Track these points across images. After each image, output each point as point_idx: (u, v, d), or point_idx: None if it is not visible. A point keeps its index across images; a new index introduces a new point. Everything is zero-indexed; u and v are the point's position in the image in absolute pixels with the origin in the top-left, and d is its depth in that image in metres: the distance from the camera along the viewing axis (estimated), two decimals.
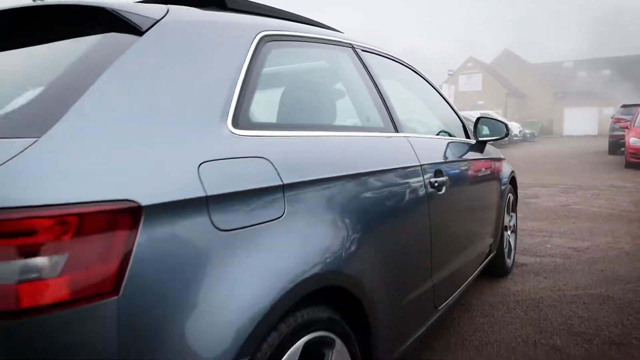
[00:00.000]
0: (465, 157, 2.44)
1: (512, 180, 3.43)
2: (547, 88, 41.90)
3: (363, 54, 1.93)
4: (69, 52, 1.08)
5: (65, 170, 0.80)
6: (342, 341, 1.26)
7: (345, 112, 1.79)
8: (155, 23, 1.12)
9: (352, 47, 1.89)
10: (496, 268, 3.23)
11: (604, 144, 16.46)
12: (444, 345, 2.33)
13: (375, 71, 1.94)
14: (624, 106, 15.12)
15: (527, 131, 29.13)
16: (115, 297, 0.78)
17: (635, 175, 9.75)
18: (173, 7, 1.26)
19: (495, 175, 2.95)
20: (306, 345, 1.14)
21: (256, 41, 1.35)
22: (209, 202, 0.95)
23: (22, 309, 0.72)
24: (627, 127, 12.00)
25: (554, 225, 5.05)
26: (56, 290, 0.74)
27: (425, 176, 1.84)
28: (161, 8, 1.21)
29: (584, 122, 36.75)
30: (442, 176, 1.99)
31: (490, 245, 2.93)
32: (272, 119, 1.47)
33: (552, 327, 2.50)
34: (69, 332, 0.76)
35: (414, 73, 2.47)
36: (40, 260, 0.74)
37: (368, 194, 1.47)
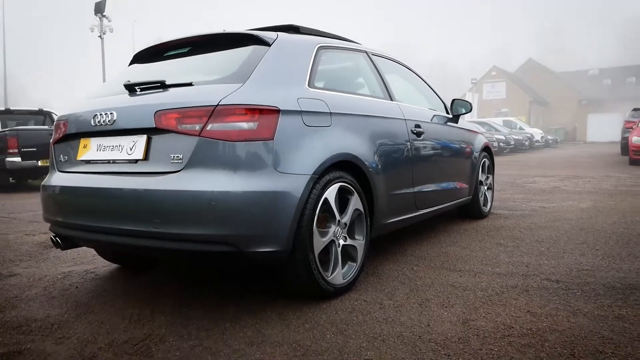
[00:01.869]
0: (440, 122, 3.74)
1: (487, 149, 4.68)
2: (571, 96, 42.34)
3: (373, 57, 3.28)
4: (244, 52, 2.44)
5: (257, 94, 2.15)
6: (357, 193, 2.58)
7: (362, 87, 3.13)
8: (274, 41, 2.49)
9: (366, 52, 3.24)
10: (473, 211, 4.49)
11: None
12: (427, 243, 3.60)
13: (380, 66, 3.27)
14: (635, 109, 15.96)
15: (549, 137, 29.83)
16: (272, 140, 2.13)
17: (635, 169, 10.64)
18: (280, 33, 2.62)
19: (467, 140, 4.23)
20: (340, 189, 2.45)
21: (316, 49, 2.70)
22: (302, 113, 2.29)
23: (240, 139, 2.07)
24: (631, 128, 12.93)
25: (536, 196, 6.24)
26: (255, 134, 2.09)
27: (408, 125, 3.16)
28: (275, 34, 2.57)
29: (607, 128, 37.10)
30: (420, 129, 3.30)
31: (467, 189, 4.20)
32: (324, 85, 2.80)
33: (502, 236, 3.75)
34: (256, 151, 2.09)
35: (407, 69, 3.81)
36: (249, 123, 2.09)
37: (374, 125, 2.80)
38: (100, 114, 2.35)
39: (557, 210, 5.00)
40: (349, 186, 2.52)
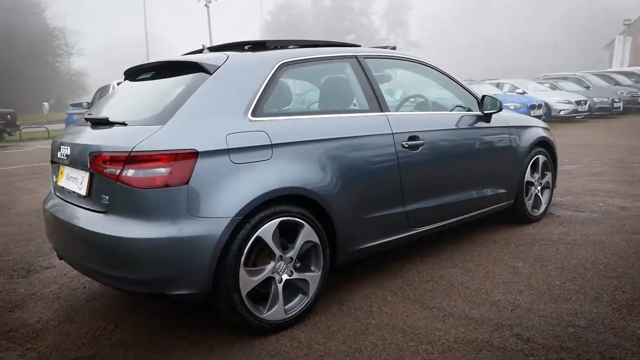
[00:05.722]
0: (457, 125, 3.31)
1: (543, 143, 4.06)
2: None
3: (366, 60, 2.98)
4: (183, 83, 2.41)
5: (174, 137, 2.13)
6: (309, 225, 2.45)
7: (336, 102, 2.90)
8: (218, 68, 2.40)
9: (355, 57, 2.96)
10: (517, 216, 3.98)
11: None
12: (431, 259, 3.32)
13: (373, 71, 2.98)
14: None
15: None
16: (187, 185, 2.11)
17: None
18: (232, 54, 2.53)
19: (507, 139, 3.69)
20: (284, 224, 2.36)
21: (275, 67, 2.55)
22: (230, 151, 2.22)
23: (150, 186, 2.08)
24: None
25: (633, 189, 5.27)
26: (165, 180, 2.09)
27: (397, 139, 2.86)
28: (225, 56, 2.48)
29: None
30: (418, 140, 2.97)
31: (506, 194, 3.73)
32: (279, 109, 2.66)
33: (527, 256, 3.29)
34: (169, 197, 2.10)
35: (426, 66, 3.39)
36: (161, 169, 2.09)
37: (339, 147, 2.59)
38: (62, 147, 2.53)
39: (634, 216, 4.20)
40: (298, 219, 2.41)
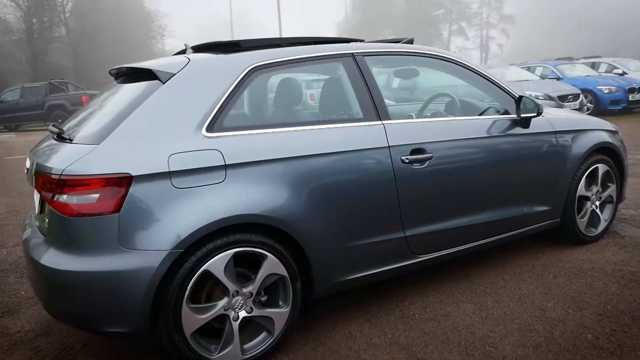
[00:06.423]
0: (481, 133, 2.76)
1: (605, 150, 3.36)
2: None
3: (364, 59, 2.54)
4: (132, 93, 2.17)
5: (106, 159, 1.91)
6: (274, 255, 2.13)
7: (321, 110, 2.50)
8: (172, 76, 2.13)
9: (352, 55, 2.53)
10: (566, 235, 3.36)
11: None
12: (445, 290, 2.86)
13: (373, 71, 2.54)
14: None
15: None
16: (118, 214, 1.88)
17: None
18: (195, 58, 2.24)
19: (549, 147, 3.06)
20: (243, 255, 2.07)
21: (244, 73, 2.22)
22: (172, 174, 1.95)
23: (77, 214, 1.87)
24: None
25: None
26: (93, 208, 1.87)
27: (393, 153, 2.42)
28: (185, 61, 2.20)
29: None
30: (425, 153, 2.51)
31: (549, 211, 3.14)
32: (243, 121, 2.33)
33: (565, 292, 2.71)
34: (97, 226, 1.88)
35: (447, 61, 2.86)
36: (90, 196, 1.87)
37: (313, 166, 2.22)
38: (27, 159, 2.42)
39: None
40: (259, 250, 2.11)
